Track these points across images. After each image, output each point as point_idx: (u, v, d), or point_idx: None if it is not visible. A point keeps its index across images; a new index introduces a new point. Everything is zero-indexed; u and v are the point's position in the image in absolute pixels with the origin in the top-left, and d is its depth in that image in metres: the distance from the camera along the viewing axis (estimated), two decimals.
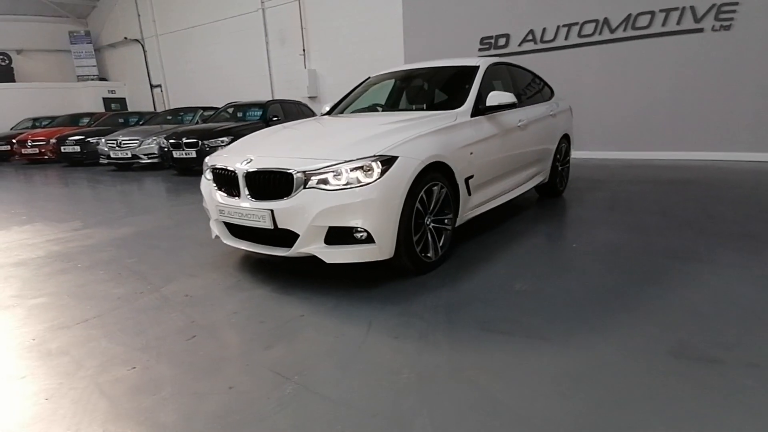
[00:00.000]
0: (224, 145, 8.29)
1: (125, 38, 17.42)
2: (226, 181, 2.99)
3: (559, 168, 5.04)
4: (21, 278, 3.24)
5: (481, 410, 1.64)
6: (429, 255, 2.98)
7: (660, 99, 7.58)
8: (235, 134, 8.65)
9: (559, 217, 4.35)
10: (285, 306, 2.58)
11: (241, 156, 2.96)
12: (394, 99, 4.34)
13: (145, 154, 9.62)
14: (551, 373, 1.84)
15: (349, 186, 2.60)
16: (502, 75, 4.26)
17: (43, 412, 1.73)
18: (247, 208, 2.80)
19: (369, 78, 4.61)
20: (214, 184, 3.09)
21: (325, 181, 2.63)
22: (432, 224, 3.01)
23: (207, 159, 3.27)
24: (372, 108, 4.24)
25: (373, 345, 2.12)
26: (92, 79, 18.72)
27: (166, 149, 8.76)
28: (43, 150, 12.04)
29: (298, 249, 2.69)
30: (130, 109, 18.21)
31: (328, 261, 2.68)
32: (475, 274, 2.94)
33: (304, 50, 12.11)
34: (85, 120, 13.74)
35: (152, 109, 16.89)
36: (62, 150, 11.33)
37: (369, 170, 2.62)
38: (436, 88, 4.19)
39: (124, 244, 3.97)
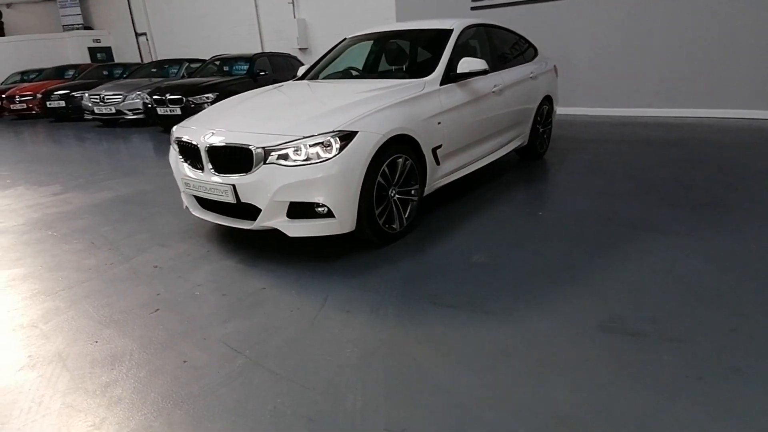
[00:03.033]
0: (209, 102, 8.18)
1: None
2: (190, 154, 3.01)
3: (540, 130, 5.01)
4: (1, 247, 3.33)
5: (411, 385, 1.76)
6: (393, 226, 3.05)
7: (653, 53, 7.37)
8: (221, 90, 8.51)
9: (533, 182, 4.39)
10: (249, 278, 2.68)
11: (205, 129, 2.97)
12: (367, 63, 4.27)
13: (129, 110, 9.50)
14: (485, 347, 1.96)
15: (308, 162, 2.63)
16: (479, 37, 4.16)
17: (11, 385, 1.87)
18: (210, 182, 2.85)
19: (345, 39, 4.49)
20: (180, 157, 3.11)
21: (285, 157, 2.65)
22: (397, 196, 3.05)
23: (174, 129, 3.27)
24: (346, 72, 4.18)
25: (326, 319, 2.23)
26: (77, 29, 18.11)
27: (150, 106, 8.65)
28: (30, 105, 11.88)
29: (261, 223, 2.76)
30: (116, 59, 17.73)
31: (290, 235, 2.75)
32: (438, 244, 3.03)
33: None
34: (71, 72, 13.44)
35: (138, 59, 16.45)
36: (48, 105, 11.19)
37: (328, 146, 2.64)
38: (408, 53, 4.10)
39: (101, 211, 4.04)
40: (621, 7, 7.44)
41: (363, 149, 2.70)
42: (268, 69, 9.46)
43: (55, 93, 11.18)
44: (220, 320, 2.26)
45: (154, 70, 11.29)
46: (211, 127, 2.97)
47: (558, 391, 1.69)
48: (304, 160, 2.64)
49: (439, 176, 3.45)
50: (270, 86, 3.88)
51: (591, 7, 7.66)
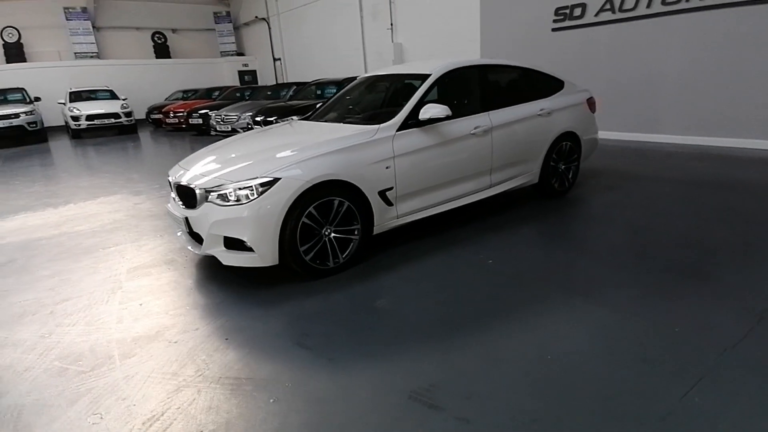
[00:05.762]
0: None
1: (256, 17, 19.37)
2: (172, 189, 3.65)
3: (562, 168, 4.72)
4: (61, 246, 4.36)
5: (210, 423, 2.00)
6: (327, 262, 3.30)
7: (754, 77, 6.21)
8: (305, 112, 9.46)
9: (523, 225, 4.14)
10: (189, 296, 3.18)
11: (182, 169, 3.58)
12: (355, 106, 4.61)
13: (241, 128, 11.02)
14: (295, 396, 2.11)
15: (237, 202, 3.05)
16: (470, 78, 4.15)
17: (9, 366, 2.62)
18: (175, 213, 3.44)
19: (356, 78, 4.83)
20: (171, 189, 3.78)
21: (223, 197, 3.10)
22: (334, 234, 3.30)
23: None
24: (340, 114, 4.49)
25: (204, 343, 2.59)
26: (232, 55, 21.36)
27: (250, 126, 9.99)
28: (180, 120, 14.43)
29: (205, 250, 3.25)
30: (259, 81, 20.45)
31: (224, 263, 3.19)
32: (363, 284, 3.18)
33: (391, 24, 12.27)
34: (216, 93, 15.95)
35: (274, 80, 18.76)
36: (190, 122, 13.51)
37: (252, 189, 3.02)
38: (387, 98, 4.29)
39: (154, 220, 4.94)
40: (718, 26, 6.42)
41: (283, 193, 3.02)
42: None
43: (197, 112, 13.45)
44: (133, 331, 2.78)
45: (269, 93, 12.88)
46: (187, 167, 3.57)
47: None
48: (235, 201, 3.06)
49: (393, 216, 3.58)
50: (262, 128, 4.41)
51: (683, 26, 6.74)
